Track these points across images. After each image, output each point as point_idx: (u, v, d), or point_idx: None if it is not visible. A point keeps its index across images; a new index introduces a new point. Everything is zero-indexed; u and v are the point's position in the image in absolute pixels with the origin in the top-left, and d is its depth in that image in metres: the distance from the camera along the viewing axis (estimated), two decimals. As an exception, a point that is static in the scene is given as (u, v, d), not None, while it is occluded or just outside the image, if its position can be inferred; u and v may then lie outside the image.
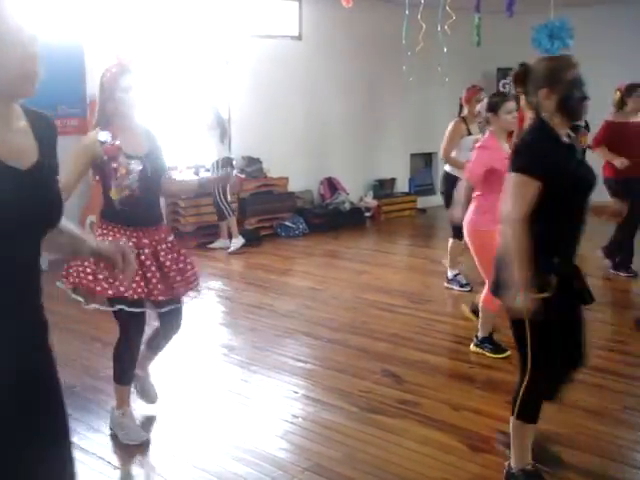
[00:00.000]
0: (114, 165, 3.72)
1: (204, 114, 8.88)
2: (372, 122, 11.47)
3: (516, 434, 3.33)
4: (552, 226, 3.06)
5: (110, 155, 3.71)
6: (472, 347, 5.28)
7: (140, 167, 3.74)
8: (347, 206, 10.77)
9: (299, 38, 10.53)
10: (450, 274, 7.14)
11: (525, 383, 3.23)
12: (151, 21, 8.80)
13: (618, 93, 7.37)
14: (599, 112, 6.23)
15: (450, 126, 7.03)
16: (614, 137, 7.21)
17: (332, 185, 10.90)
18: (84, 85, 8.34)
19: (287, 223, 9.95)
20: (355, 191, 11.26)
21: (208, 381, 4.89)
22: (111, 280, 3.58)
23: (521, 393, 3.25)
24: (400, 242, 10.28)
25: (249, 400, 4.50)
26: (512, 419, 3.32)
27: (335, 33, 10.66)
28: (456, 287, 7.04)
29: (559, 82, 3.07)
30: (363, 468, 3.64)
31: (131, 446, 3.86)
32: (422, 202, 12.12)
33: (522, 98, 4.45)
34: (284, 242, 9.55)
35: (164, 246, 3.84)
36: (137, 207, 3.75)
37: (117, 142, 3.72)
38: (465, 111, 7.17)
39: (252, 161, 9.77)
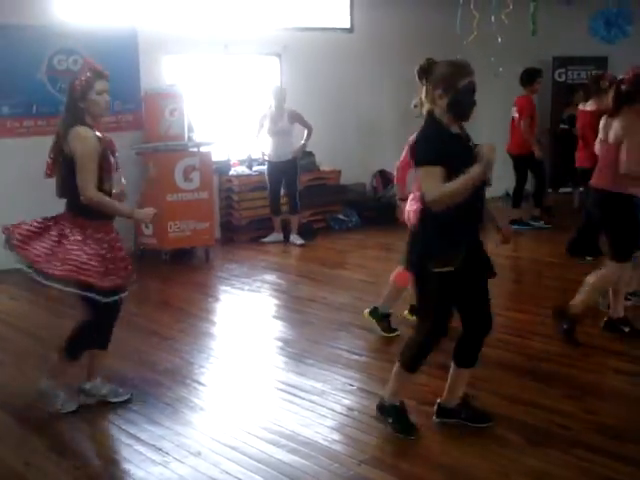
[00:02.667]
0: (112, 159, 4.10)
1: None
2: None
3: (397, 378, 3.91)
4: (451, 208, 3.51)
5: (111, 148, 4.12)
6: (365, 312, 5.56)
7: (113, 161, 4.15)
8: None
9: (351, 31, 10.48)
10: None
11: (419, 339, 3.84)
12: (202, 14, 8.87)
13: None
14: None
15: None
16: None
17: (385, 178, 10.83)
18: (138, 80, 8.45)
19: (340, 216, 9.94)
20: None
21: (263, 374, 4.92)
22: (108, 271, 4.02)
23: (413, 347, 3.87)
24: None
25: (304, 393, 4.51)
26: (397, 366, 3.89)
27: (387, 25, 10.57)
28: None
29: (452, 88, 3.52)
30: (417, 461, 3.63)
31: (188, 439, 3.89)
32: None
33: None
34: (337, 235, 9.55)
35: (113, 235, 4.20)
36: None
37: (109, 137, 4.17)
38: None
39: (304, 154, 9.77)
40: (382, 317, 5.50)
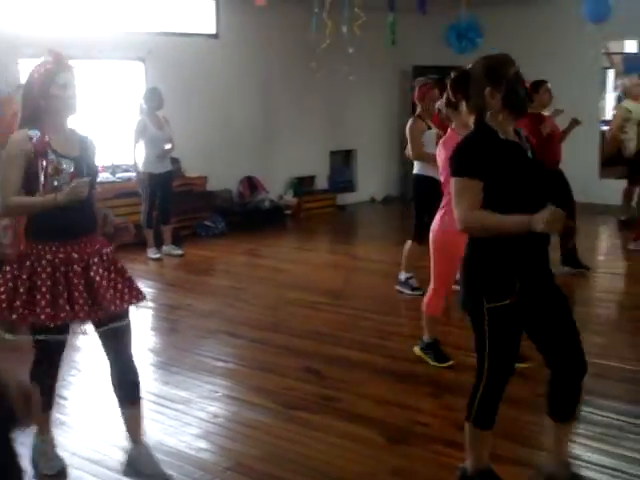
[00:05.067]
0: (43, 162, 3.31)
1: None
2: (291, 120, 11.49)
3: (472, 441, 3.20)
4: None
5: (39, 150, 3.31)
6: (416, 349, 5.10)
7: (72, 169, 3.37)
8: (267, 204, 10.77)
9: (216, 36, 10.47)
10: (402, 277, 6.84)
11: (480, 386, 3.13)
12: (61, 16, 8.62)
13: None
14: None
15: (409, 125, 6.70)
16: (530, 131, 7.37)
17: (252, 184, 10.88)
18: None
19: (206, 222, 9.88)
20: (275, 189, 11.27)
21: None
22: (31, 306, 3.27)
23: (476, 397, 3.14)
24: (321, 239, 10.36)
25: (169, 402, 4.46)
26: (467, 426, 3.19)
27: (251, 32, 10.64)
28: (407, 291, 6.74)
29: (502, 79, 3.03)
30: (285, 465, 3.65)
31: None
32: (341, 199, 12.21)
33: (461, 105, 4.26)
34: (204, 242, 9.49)
35: (96, 259, 3.43)
36: (67, 215, 3.34)
37: (46, 138, 3.34)
38: (419, 109, 6.76)
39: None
40: (427, 347, 5.05)
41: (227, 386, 4.73)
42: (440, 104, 5.11)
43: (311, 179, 12.07)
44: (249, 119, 10.96)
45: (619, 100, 13.69)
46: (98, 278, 3.39)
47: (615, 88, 13.74)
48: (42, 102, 3.36)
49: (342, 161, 12.87)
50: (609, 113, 13.55)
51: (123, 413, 3.61)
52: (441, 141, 4.96)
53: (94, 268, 3.40)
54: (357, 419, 4.13)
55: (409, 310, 6.25)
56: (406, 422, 4.08)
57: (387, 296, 6.82)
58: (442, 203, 4.75)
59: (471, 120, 3.18)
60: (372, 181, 12.95)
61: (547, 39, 11.29)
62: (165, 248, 8.71)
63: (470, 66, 3.19)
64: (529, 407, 4.19)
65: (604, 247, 9.49)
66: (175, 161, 9.60)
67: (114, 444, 3.88)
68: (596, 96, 11.69)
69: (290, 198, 11.39)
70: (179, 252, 8.69)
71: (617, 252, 8.86)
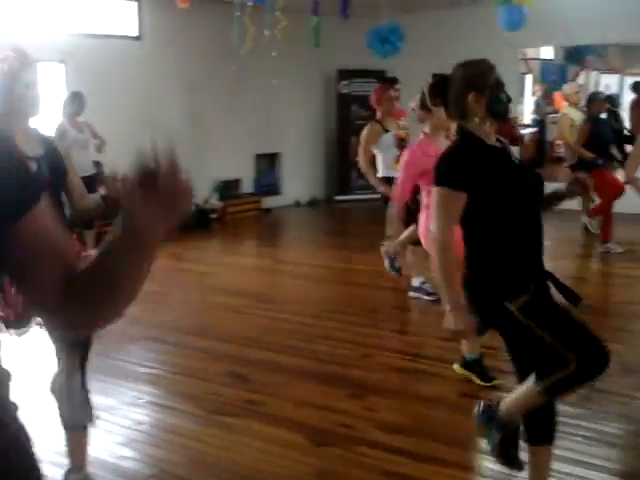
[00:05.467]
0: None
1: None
2: (216, 123, 11.45)
3: (529, 399, 2.93)
4: (506, 240, 2.92)
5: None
6: (456, 367, 4.77)
7: (35, 168, 3.18)
8: (192, 208, 10.66)
9: (139, 38, 10.36)
10: (416, 282, 6.62)
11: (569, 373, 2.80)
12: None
13: None
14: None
15: (362, 133, 6.68)
16: None
17: (176, 187, 10.79)
18: None
19: (131, 227, 9.75)
20: (200, 193, 11.20)
21: (47, 391, 4.74)
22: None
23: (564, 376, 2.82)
24: (246, 243, 10.35)
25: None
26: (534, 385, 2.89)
27: (174, 34, 10.57)
28: (424, 296, 6.49)
29: (484, 85, 3.00)
30: (209, 471, 3.65)
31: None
32: (267, 202, 12.23)
33: (438, 110, 4.31)
34: (128, 246, 9.35)
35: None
36: None
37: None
38: (379, 114, 6.76)
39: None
40: (468, 365, 4.72)
41: (151, 392, 4.69)
42: (414, 105, 5.05)
43: (236, 182, 12.05)
44: (173, 122, 10.87)
45: (537, 105, 14.12)
46: None
47: (533, 93, 14.15)
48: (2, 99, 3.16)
49: (267, 164, 12.88)
50: (528, 117, 13.97)
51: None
52: (412, 145, 4.95)
53: None
54: (282, 422, 4.15)
55: (334, 313, 6.33)
56: (330, 424, 4.12)
57: (311, 299, 6.87)
58: (424, 203, 4.64)
59: (452, 126, 3.12)
60: (297, 184, 13.01)
61: (467, 45, 11.45)
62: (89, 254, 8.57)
63: (451, 71, 3.15)
64: (455, 408, 4.29)
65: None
66: (98, 165, 9.47)
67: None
68: (515, 101, 11.99)
69: (215, 202, 11.35)
70: None
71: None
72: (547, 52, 13.52)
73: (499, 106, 3.01)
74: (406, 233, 6.48)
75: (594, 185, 8.63)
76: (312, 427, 4.09)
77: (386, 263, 6.35)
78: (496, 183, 2.88)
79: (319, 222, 12.08)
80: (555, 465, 3.52)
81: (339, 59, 12.54)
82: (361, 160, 6.69)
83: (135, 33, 10.33)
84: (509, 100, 3.07)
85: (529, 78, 13.61)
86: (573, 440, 3.86)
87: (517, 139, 6.73)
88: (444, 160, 2.99)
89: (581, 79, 12.94)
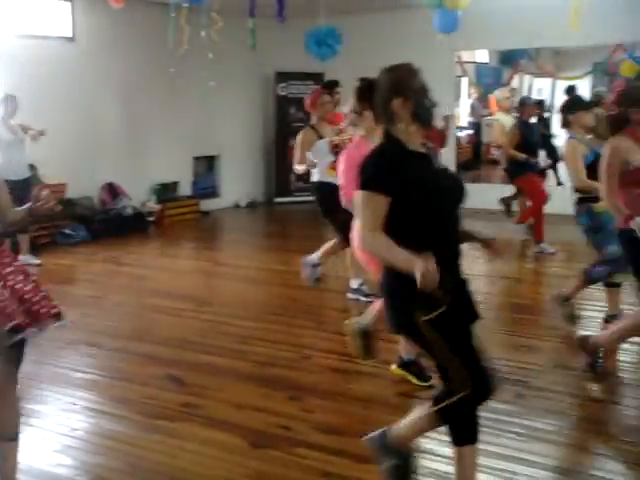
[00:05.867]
0: None
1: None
2: (153, 125, 11.34)
3: (425, 427, 3.13)
4: (424, 243, 2.83)
5: None
6: (393, 368, 4.79)
7: None
8: (129, 211, 10.58)
9: (72, 39, 10.19)
10: (354, 284, 6.64)
11: (455, 400, 2.91)
12: None
13: None
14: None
15: (297, 138, 6.65)
16: None
17: (113, 190, 10.66)
18: None
19: (66, 231, 9.61)
20: (138, 196, 11.08)
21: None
22: None
23: (453, 417, 3.00)
24: (184, 245, 10.28)
25: (24, 417, 4.30)
26: (428, 414, 3.04)
27: (109, 35, 10.43)
28: (362, 297, 6.50)
29: (411, 90, 2.99)
30: (146, 476, 3.62)
31: None
32: (205, 205, 12.16)
33: (368, 113, 4.31)
34: (64, 250, 9.22)
35: (10, 269, 3.21)
36: None
37: None
38: (314, 118, 6.73)
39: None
40: (405, 365, 4.75)
41: (86, 398, 4.62)
42: (346, 109, 5.04)
43: (174, 185, 11.95)
44: (110, 124, 10.75)
45: (473, 108, 14.37)
46: (19, 285, 3.23)
47: (469, 96, 14.38)
48: None
49: (206, 166, 12.82)
50: (464, 120, 14.19)
51: None
52: (349, 148, 4.92)
53: (10, 277, 3.21)
54: (219, 425, 4.14)
55: (272, 315, 6.33)
56: (268, 426, 4.13)
57: (250, 301, 6.87)
58: None
59: (378, 130, 3.09)
60: (236, 186, 12.97)
61: (404, 47, 11.59)
62: (22, 258, 8.39)
63: (377, 76, 3.13)
64: (392, 407, 4.34)
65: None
66: (32, 168, 9.30)
67: None
68: (451, 103, 12.16)
69: (153, 204, 11.23)
70: (36, 262, 8.40)
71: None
72: (482, 55, 13.75)
73: (423, 111, 3.02)
74: (327, 245, 6.59)
75: (524, 190, 8.89)
76: (250, 429, 4.09)
77: (306, 272, 6.54)
78: (412, 188, 2.88)
79: (258, 224, 12.06)
80: (489, 462, 3.61)
81: (277, 61, 12.55)
82: (296, 165, 6.72)
83: (69, 34, 10.15)
84: (433, 105, 3.07)
85: (465, 81, 13.81)
86: (506, 437, 3.96)
87: (443, 139, 6.84)
88: (365, 164, 2.98)
89: (515, 83, 13.20)
